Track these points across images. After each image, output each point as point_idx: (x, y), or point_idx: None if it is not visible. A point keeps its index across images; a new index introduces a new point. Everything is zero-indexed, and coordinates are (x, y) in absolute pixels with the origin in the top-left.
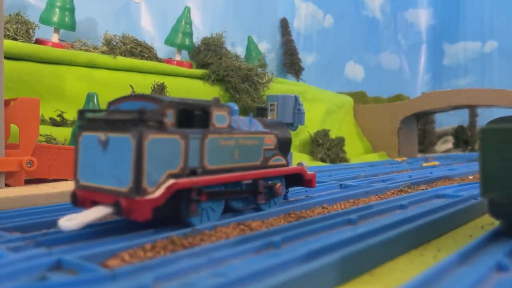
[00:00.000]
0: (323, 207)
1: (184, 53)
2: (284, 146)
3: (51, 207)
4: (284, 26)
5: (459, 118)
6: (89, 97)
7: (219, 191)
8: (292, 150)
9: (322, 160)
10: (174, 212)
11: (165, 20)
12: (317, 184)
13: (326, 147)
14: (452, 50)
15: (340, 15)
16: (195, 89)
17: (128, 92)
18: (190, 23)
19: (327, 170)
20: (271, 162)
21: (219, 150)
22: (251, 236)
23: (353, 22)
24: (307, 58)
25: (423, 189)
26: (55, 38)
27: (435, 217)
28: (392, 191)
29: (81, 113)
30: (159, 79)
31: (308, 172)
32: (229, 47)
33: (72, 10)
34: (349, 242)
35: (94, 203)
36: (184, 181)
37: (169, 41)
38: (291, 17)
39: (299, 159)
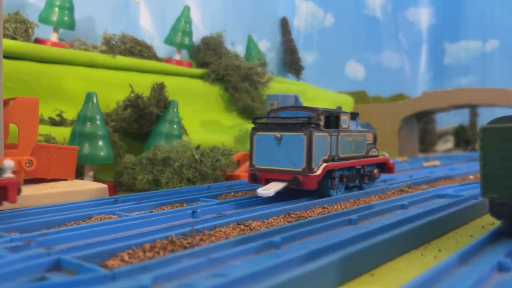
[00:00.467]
0: (323, 207)
1: (184, 52)
2: (375, 141)
3: (50, 207)
4: (284, 25)
5: (460, 118)
6: (89, 97)
7: (347, 173)
8: None
9: None
10: (321, 186)
11: (165, 19)
12: None
13: None
14: (453, 49)
15: (340, 14)
16: (194, 88)
17: (127, 91)
18: (189, 22)
19: None
20: (370, 153)
21: (345, 143)
22: (251, 236)
23: (354, 21)
24: (307, 57)
25: (423, 189)
26: (54, 37)
27: (435, 217)
28: (392, 191)
29: (254, 119)
30: (159, 79)
31: (390, 161)
32: (229, 46)
33: (71, 9)
34: (349, 242)
35: (267, 180)
36: (331, 164)
37: (168, 40)
38: (291, 16)
39: None
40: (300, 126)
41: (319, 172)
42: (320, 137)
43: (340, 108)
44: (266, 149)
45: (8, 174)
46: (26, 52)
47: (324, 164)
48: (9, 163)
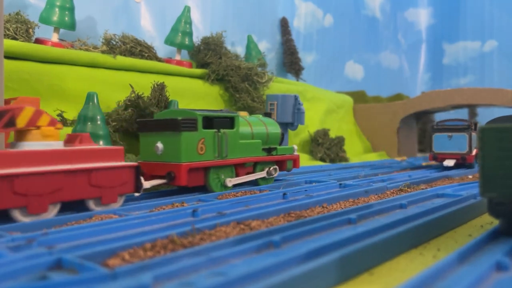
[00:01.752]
0: (323, 207)
1: (184, 52)
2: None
3: None
4: (284, 25)
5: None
6: (89, 97)
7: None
8: None
9: (322, 160)
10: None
11: (165, 20)
12: (316, 183)
13: (326, 146)
14: (452, 50)
15: (340, 14)
16: (195, 88)
17: (128, 91)
18: (190, 23)
19: (327, 169)
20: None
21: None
22: (251, 235)
23: (353, 22)
24: (307, 58)
25: (422, 189)
26: (55, 37)
27: (434, 216)
28: (391, 191)
29: (432, 126)
30: (159, 79)
31: None
32: (229, 47)
33: (72, 10)
34: (348, 241)
35: (441, 159)
36: (475, 150)
37: (169, 41)
38: (291, 17)
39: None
40: (464, 129)
41: (473, 153)
42: (473, 135)
43: (474, 119)
44: (441, 142)
45: (295, 152)
46: (27, 52)
47: (475, 150)
48: (295, 147)
